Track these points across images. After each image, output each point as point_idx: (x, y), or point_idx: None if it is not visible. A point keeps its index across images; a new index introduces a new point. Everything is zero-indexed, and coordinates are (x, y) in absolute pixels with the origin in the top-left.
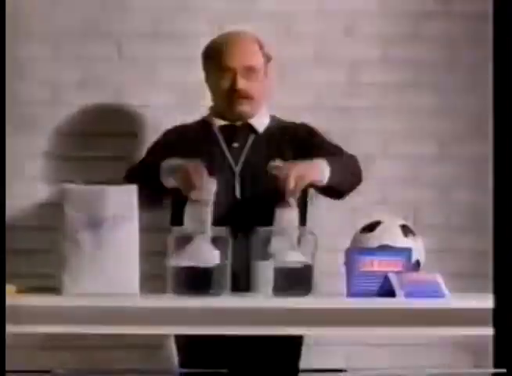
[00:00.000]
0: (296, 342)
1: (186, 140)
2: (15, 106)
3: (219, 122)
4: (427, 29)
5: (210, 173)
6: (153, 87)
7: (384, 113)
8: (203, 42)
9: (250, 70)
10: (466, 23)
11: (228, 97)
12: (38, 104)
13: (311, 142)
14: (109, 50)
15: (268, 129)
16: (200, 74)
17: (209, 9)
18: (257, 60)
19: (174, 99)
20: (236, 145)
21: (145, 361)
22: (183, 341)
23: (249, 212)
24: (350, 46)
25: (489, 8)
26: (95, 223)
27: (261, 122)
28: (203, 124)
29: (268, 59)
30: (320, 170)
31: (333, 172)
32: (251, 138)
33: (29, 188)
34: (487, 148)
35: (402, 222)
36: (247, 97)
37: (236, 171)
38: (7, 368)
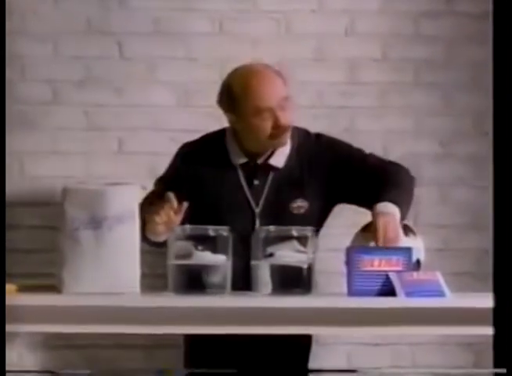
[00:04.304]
0: (305, 343)
1: (207, 173)
2: (15, 105)
3: (240, 160)
4: (427, 28)
5: (230, 212)
6: (153, 86)
7: (384, 113)
8: (203, 42)
9: (284, 102)
10: (466, 22)
11: (272, 135)
12: (38, 104)
13: (341, 163)
14: (110, 49)
15: (288, 163)
16: (201, 74)
17: (209, 9)
18: (287, 90)
19: (174, 99)
20: (256, 183)
21: (147, 360)
22: (190, 341)
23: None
24: (350, 46)
25: (489, 7)
26: (96, 222)
27: (280, 159)
28: (222, 151)
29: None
30: (398, 223)
31: (401, 209)
32: (271, 176)
33: (29, 187)
34: (487, 147)
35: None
36: (288, 128)
37: (256, 212)
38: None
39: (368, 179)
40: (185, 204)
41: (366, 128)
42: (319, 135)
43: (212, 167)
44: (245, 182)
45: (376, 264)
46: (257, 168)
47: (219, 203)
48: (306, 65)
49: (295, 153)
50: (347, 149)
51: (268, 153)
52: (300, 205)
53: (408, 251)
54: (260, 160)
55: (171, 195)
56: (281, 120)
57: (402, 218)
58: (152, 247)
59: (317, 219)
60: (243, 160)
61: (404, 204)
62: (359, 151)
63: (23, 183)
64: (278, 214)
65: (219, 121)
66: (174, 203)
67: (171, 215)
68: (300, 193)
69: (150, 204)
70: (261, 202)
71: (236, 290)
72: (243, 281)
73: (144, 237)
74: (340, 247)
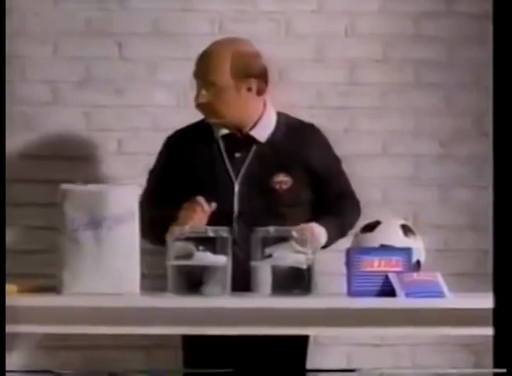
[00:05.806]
0: (301, 342)
1: (189, 151)
2: (15, 106)
3: (222, 131)
4: (427, 29)
5: (210, 188)
6: (153, 87)
7: (384, 113)
8: (203, 42)
9: (213, 87)
10: (466, 22)
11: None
12: (38, 104)
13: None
14: (110, 50)
15: (272, 138)
16: None
17: (209, 9)
18: (220, 77)
19: (174, 100)
20: (238, 155)
21: (147, 361)
22: (188, 341)
23: (246, 228)
24: (350, 46)
25: (489, 7)
26: (96, 223)
27: (262, 132)
28: (206, 129)
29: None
30: (320, 238)
31: (331, 234)
32: (253, 148)
33: (29, 187)
34: (487, 148)
35: (403, 221)
36: (211, 113)
37: (235, 187)
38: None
39: (329, 195)
40: (214, 205)
41: (367, 129)
42: (313, 126)
43: (195, 142)
44: (226, 154)
45: (375, 264)
46: (239, 141)
47: (200, 176)
48: (306, 66)
49: (283, 129)
50: (334, 157)
51: (251, 125)
52: (282, 180)
53: (408, 251)
54: (239, 133)
55: (201, 199)
56: (198, 98)
57: (329, 241)
58: (155, 247)
59: (302, 200)
60: (224, 131)
61: (334, 231)
62: (339, 164)
63: (23, 183)
64: (259, 187)
65: None
66: (206, 206)
67: (203, 218)
68: (283, 167)
69: (161, 207)
70: (241, 174)
71: (236, 290)
72: (242, 280)
73: (148, 235)
74: (339, 248)
